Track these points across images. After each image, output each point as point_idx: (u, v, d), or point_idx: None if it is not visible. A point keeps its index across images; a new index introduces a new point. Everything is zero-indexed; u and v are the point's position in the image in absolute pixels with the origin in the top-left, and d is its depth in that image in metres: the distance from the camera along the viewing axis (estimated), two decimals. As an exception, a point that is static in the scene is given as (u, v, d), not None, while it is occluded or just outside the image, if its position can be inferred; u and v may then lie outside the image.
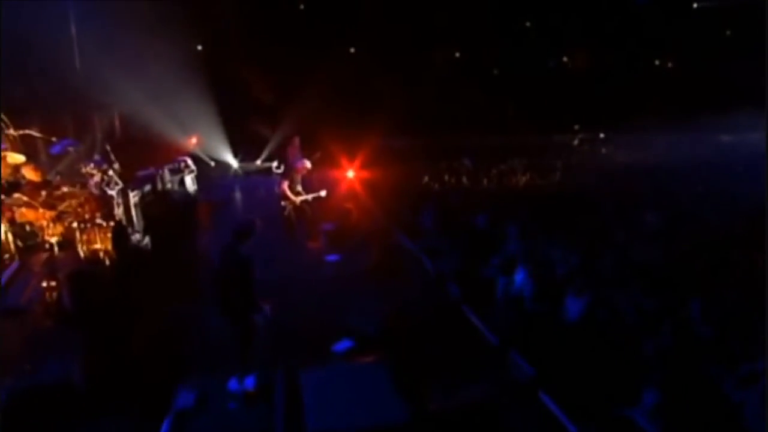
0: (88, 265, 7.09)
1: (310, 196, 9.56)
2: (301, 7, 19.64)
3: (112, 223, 7.73)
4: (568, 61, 21.70)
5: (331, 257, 8.84)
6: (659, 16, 18.74)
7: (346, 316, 6.35)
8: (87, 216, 7.61)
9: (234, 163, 15.73)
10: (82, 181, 8.27)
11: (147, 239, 8.65)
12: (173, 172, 11.64)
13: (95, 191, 8.03)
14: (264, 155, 15.77)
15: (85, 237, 7.49)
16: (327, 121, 14.98)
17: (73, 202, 7.48)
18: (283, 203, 9.48)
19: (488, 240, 9.84)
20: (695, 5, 19.51)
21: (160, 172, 10.77)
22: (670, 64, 20.82)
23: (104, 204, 7.91)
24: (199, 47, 17.85)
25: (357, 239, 9.43)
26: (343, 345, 5.95)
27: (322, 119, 15.06)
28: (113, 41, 13.66)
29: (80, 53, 14.17)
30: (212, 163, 15.78)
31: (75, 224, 7.41)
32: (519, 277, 8.36)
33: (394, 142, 16.14)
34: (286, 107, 15.72)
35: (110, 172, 8.20)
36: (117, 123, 14.53)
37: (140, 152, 12.55)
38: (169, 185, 11.27)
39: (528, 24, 20.77)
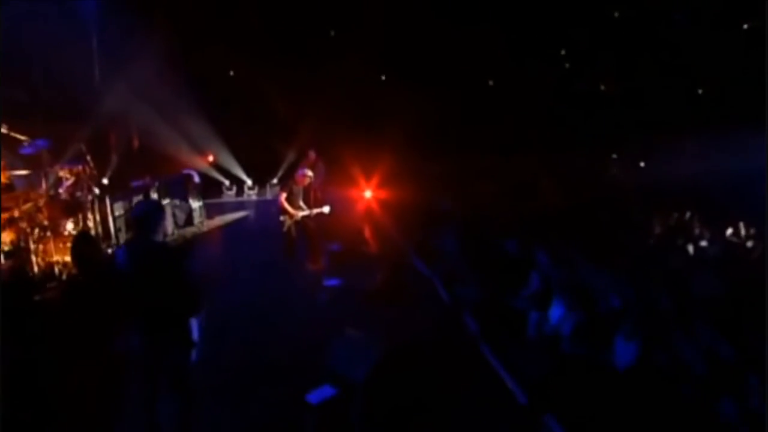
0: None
1: (312, 211, 8.14)
2: (332, 33, 18.78)
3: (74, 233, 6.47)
4: (605, 87, 20.10)
5: (331, 281, 7.35)
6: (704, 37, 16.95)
7: (333, 355, 4.80)
8: (46, 223, 6.38)
9: (248, 181, 14.58)
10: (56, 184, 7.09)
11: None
12: (174, 188, 10.43)
13: (64, 196, 6.84)
14: (280, 173, 14.58)
15: (41, 247, 6.24)
16: (346, 140, 13.75)
17: (28, 205, 6.21)
18: (281, 218, 8.08)
19: (519, 267, 8.26)
20: (745, 26, 17.61)
21: (156, 184, 9.55)
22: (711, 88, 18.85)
23: (71, 211, 6.69)
24: (231, 72, 16.92)
25: (363, 262, 7.93)
26: (320, 394, 4.40)
27: (341, 137, 13.84)
28: (133, 57, 12.95)
29: (100, 66, 13.49)
30: (227, 182, 14.72)
31: (29, 231, 6.16)
32: (555, 312, 6.80)
33: (417, 163, 14.77)
34: (306, 127, 14.57)
35: (83, 176, 7.01)
36: (130, 136, 13.64)
37: (147, 162, 11.61)
38: (169, 227, 9.60)
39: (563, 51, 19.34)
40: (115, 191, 8.56)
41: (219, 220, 11.75)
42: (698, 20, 16.25)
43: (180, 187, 10.71)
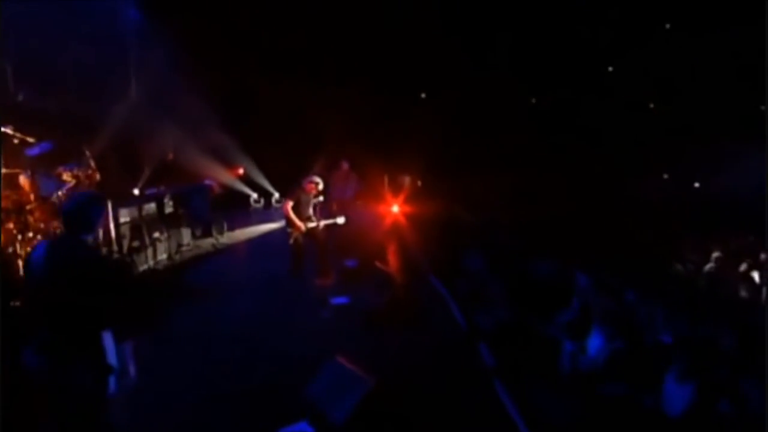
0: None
1: (320, 223, 7.44)
2: (367, 51, 18.32)
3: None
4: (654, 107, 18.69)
5: (337, 299, 6.56)
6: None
7: (316, 386, 4.01)
8: (36, 225, 5.94)
9: (275, 194, 14.11)
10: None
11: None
12: (193, 198, 10.01)
13: (62, 198, 6.43)
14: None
15: (28, 249, 5.78)
16: (375, 153, 13.10)
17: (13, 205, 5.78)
18: (288, 230, 7.40)
19: (554, 290, 7.31)
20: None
21: (169, 192, 9.15)
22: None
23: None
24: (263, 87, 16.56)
25: (377, 279, 7.12)
26: (293, 432, 3.61)
27: (370, 151, 13.20)
28: (165, 72, 12.88)
29: (132, 81, 13.50)
30: (254, 195, 14.29)
31: (15, 233, 5.72)
32: (593, 343, 5.82)
33: (446, 179, 13.94)
34: (335, 139, 14.03)
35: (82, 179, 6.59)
36: (160, 148, 13.49)
37: (173, 173, 11.34)
38: (186, 237, 9.11)
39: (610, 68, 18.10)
40: (125, 198, 8.19)
41: (240, 233, 11.25)
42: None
43: (200, 197, 10.30)
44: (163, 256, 8.66)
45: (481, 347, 4.95)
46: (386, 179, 12.12)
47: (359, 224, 10.31)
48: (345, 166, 9.68)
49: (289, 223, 7.32)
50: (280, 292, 7.03)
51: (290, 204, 7.33)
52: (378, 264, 7.11)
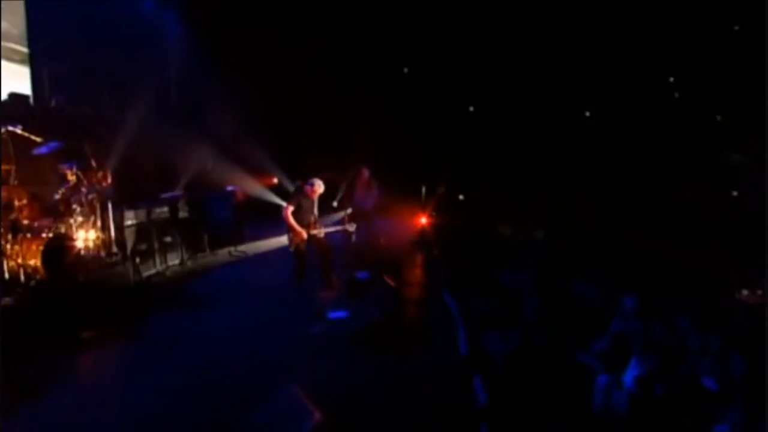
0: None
1: (322, 230, 6.81)
2: (405, 70, 17.78)
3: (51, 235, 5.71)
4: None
5: (335, 313, 5.88)
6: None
7: (261, 415, 3.32)
8: (25, 223, 5.68)
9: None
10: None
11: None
12: (215, 204, 9.67)
13: (58, 196, 6.22)
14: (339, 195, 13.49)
15: (16, 248, 5.52)
16: (407, 164, 12.44)
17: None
18: (288, 236, 6.80)
19: (593, 312, 6.36)
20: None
21: (184, 199, 8.85)
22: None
23: (54, 213, 5.99)
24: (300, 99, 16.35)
25: (386, 293, 6.40)
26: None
27: (403, 162, 12.56)
28: (203, 81, 12.90)
29: (175, 88, 13.60)
30: (335, 203, 13.86)
31: (2, 231, 5.46)
32: (631, 375, 4.84)
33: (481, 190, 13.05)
34: (365, 147, 13.47)
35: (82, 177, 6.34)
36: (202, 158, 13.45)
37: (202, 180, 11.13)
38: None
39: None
40: (137, 201, 7.94)
41: (263, 243, 10.82)
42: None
43: (221, 204, 9.96)
44: (174, 262, 8.33)
45: (476, 382, 4.06)
46: (423, 189, 11.43)
47: (383, 235, 9.67)
48: (366, 173, 9.05)
49: (289, 229, 6.73)
50: (282, 303, 6.44)
51: (290, 209, 6.76)
52: (387, 278, 6.37)
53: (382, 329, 5.29)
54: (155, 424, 3.62)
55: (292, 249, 6.77)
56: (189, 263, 8.57)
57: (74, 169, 6.39)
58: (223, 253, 9.44)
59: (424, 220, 10.75)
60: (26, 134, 6.38)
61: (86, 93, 10.53)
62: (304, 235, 6.69)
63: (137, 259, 7.12)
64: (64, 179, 6.42)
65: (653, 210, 11.49)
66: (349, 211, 8.81)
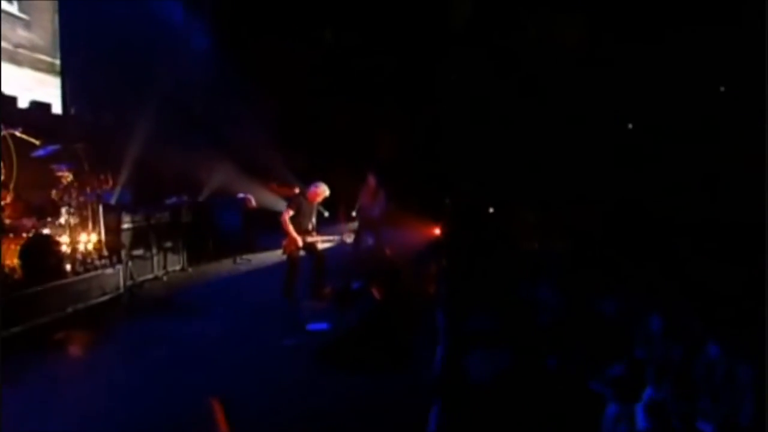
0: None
1: (318, 238, 6.47)
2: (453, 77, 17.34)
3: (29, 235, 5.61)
4: None
5: (316, 325, 5.49)
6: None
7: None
8: (9, 222, 5.60)
9: (325, 213, 13.36)
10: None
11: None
12: (223, 211, 9.51)
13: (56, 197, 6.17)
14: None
15: (-1, 246, 5.44)
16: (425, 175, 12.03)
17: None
18: (284, 242, 6.46)
19: (615, 334, 5.71)
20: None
21: (187, 204, 8.73)
22: None
23: (39, 213, 5.92)
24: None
25: (374, 306, 5.95)
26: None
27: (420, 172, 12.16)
28: (231, 95, 12.93)
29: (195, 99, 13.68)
30: (326, 213, 13.63)
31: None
32: (643, 407, 4.20)
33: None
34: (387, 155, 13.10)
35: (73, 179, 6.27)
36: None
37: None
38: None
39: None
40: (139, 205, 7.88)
41: (273, 254, 10.55)
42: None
43: (230, 211, 9.81)
44: (175, 267, 8.20)
45: (433, 409, 3.52)
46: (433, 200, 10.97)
47: (389, 245, 9.24)
48: (372, 180, 8.67)
49: (285, 234, 6.39)
50: (266, 312, 6.11)
51: (290, 213, 6.40)
52: (374, 289, 5.91)
53: (357, 344, 4.84)
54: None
55: (285, 255, 6.42)
56: (190, 269, 8.41)
57: (64, 170, 6.33)
58: (228, 261, 9.24)
59: (438, 231, 10.27)
60: (25, 137, 6.41)
61: (108, 101, 10.65)
62: (300, 242, 6.35)
63: (129, 263, 6.98)
64: (58, 181, 6.40)
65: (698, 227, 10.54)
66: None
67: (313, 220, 6.58)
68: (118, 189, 8.46)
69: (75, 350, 4.88)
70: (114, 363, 4.54)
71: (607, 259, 8.86)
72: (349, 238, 6.84)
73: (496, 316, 6.14)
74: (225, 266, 9.02)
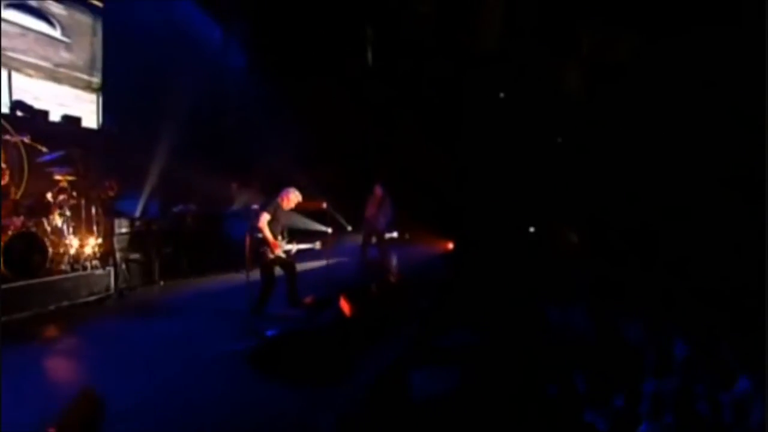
0: None
1: (294, 247, 6.25)
2: (501, 95, 16.91)
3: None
4: None
5: (274, 332, 5.27)
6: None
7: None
8: (-1, 222, 5.85)
9: (348, 227, 13.16)
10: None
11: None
12: (232, 222, 9.53)
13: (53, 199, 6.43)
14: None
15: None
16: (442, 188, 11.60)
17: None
18: (261, 250, 6.21)
19: (630, 362, 5.24)
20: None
21: (192, 213, 8.83)
22: None
23: (27, 212, 6.14)
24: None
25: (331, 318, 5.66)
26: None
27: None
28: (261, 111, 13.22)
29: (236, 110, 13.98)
30: (349, 228, 13.50)
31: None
32: None
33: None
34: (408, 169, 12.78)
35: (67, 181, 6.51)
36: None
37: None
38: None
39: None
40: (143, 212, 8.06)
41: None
42: None
43: (242, 222, 9.84)
44: (175, 273, 8.27)
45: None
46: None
47: (394, 257, 8.94)
48: (379, 191, 8.42)
49: (263, 240, 6.16)
50: (237, 317, 5.97)
51: (266, 218, 6.09)
52: (343, 301, 5.59)
53: (309, 355, 4.57)
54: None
55: (263, 263, 6.13)
56: (190, 278, 8.47)
57: (63, 174, 6.58)
58: (231, 270, 9.23)
59: (450, 246, 9.86)
60: (34, 144, 6.75)
61: (138, 117, 11.05)
62: (279, 249, 6.10)
63: (124, 266, 7.12)
64: (55, 184, 6.67)
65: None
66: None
67: (281, 228, 6.34)
68: (142, 200, 8.72)
69: (37, 345, 4.93)
70: (57, 360, 4.53)
71: (637, 281, 8.09)
72: (318, 246, 6.60)
73: (487, 333, 5.66)
74: (226, 275, 9.02)
